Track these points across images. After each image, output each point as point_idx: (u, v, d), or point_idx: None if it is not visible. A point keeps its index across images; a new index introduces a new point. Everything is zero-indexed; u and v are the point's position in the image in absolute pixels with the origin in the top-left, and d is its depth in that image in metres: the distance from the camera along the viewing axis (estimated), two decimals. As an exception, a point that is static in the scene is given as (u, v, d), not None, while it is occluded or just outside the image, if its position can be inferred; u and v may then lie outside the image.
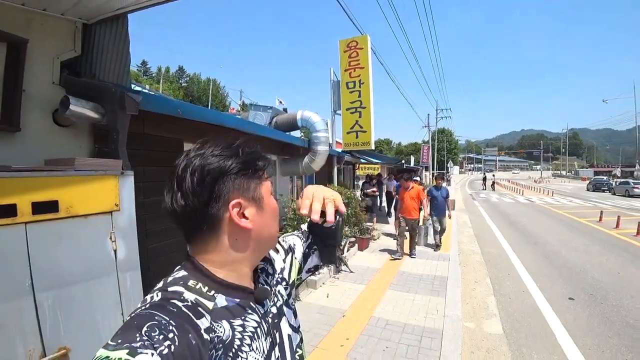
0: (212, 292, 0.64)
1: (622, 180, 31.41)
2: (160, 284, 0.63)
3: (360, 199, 8.78)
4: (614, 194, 27.85)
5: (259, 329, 0.68)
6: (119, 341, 0.49)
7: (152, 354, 0.48)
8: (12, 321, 1.54)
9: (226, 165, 0.64)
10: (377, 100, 9.19)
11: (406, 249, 7.00)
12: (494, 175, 40.60)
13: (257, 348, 0.66)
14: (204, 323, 0.58)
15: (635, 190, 24.95)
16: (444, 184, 8.50)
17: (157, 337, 0.50)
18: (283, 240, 0.95)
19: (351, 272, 5.83)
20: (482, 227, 11.44)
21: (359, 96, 8.93)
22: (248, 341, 0.64)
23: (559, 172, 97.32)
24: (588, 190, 33.15)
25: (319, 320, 3.97)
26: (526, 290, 5.30)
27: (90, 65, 2.49)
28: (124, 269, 2.04)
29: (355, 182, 14.57)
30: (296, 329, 0.84)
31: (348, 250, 6.78)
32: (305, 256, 0.96)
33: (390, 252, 7.12)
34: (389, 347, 3.41)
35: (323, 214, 0.81)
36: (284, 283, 0.85)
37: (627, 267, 6.53)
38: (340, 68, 9.17)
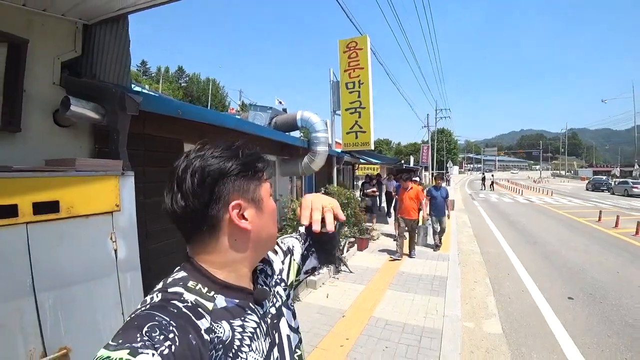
0: (212, 292, 0.64)
1: (621, 180, 31.45)
2: (160, 285, 0.64)
3: (359, 199, 8.79)
4: (613, 193, 27.90)
5: (258, 330, 0.69)
6: (120, 341, 0.49)
7: (153, 354, 0.49)
8: (13, 321, 1.54)
9: (226, 167, 0.64)
10: (376, 100, 9.20)
11: (405, 250, 7.01)
12: (492, 176, 40.63)
13: (256, 348, 0.66)
14: (204, 324, 0.59)
15: (634, 189, 25.00)
16: (444, 184, 8.50)
17: (157, 337, 0.51)
18: (282, 242, 0.96)
19: (351, 272, 5.84)
20: (482, 227, 11.46)
21: (359, 96, 8.94)
22: (247, 342, 0.65)
23: (558, 172, 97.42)
24: (587, 190, 33.21)
25: (318, 321, 3.98)
26: (525, 290, 5.31)
27: (90, 66, 2.49)
28: (125, 269, 2.05)
29: (355, 183, 14.58)
30: (295, 330, 0.84)
31: (347, 251, 6.79)
32: (304, 258, 0.97)
33: (390, 252, 7.14)
34: (388, 347, 3.42)
35: (322, 221, 0.81)
36: (282, 284, 0.86)
37: (626, 266, 6.55)
38: (339, 68, 9.18)
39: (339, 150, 9.79)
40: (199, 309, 0.60)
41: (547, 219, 13.22)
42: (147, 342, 0.49)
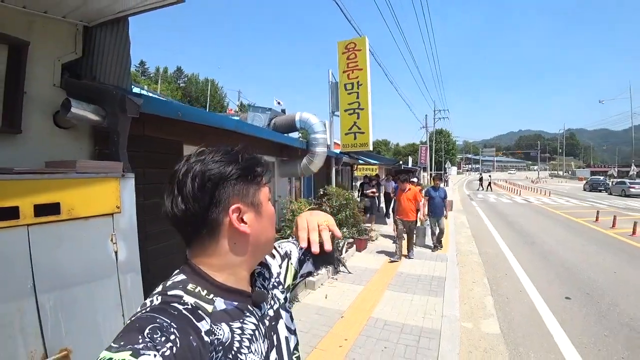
0: (211, 295, 0.65)
1: (619, 180, 31.57)
2: (159, 288, 0.65)
3: (358, 199, 8.81)
4: (611, 193, 27.98)
5: (256, 332, 0.69)
6: (122, 343, 0.50)
7: (155, 355, 0.49)
8: (14, 322, 1.55)
9: (226, 171, 0.65)
10: (375, 101, 9.22)
11: (404, 251, 7.02)
12: (490, 176, 40.70)
13: (255, 350, 0.67)
14: (204, 326, 0.59)
15: (632, 190, 25.08)
16: (442, 185, 8.53)
17: (159, 339, 0.52)
18: (279, 247, 0.97)
19: (349, 272, 5.86)
20: (480, 227, 11.49)
21: (357, 97, 8.96)
22: (247, 343, 0.66)
23: (556, 172, 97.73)
24: (585, 190, 33.30)
25: (317, 321, 3.99)
26: (523, 290, 5.34)
27: (90, 68, 2.50)
28: (125, 270, 2.06)
29: (354, 183, 14.59)
30: (293, 332, 0.85)
31: (346, 251, 6.80)
32: (301, 262, 0.98)
33: (389, 254, 7.14)
34: (387, 348, 3.43)
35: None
36: (280, 287, 0.87)
37: (623, 266, 6.59)
38: (338, 69, 9.20)
39: (337, 151, 9.80)
40: (199, 311, 0.61)
41: (544, 219, 13.27)
42: (148, 344, 0.50)
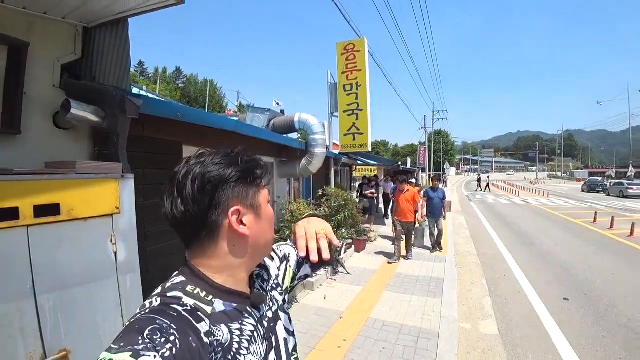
0: (210, 297, 0.65)
1: (616, 181, 31.66)
2: (158, 290, 0.65)
3: (357, 200, 8.82)
4: (609, 194, 28.06)
5: (255, 333, 0.70)
6: (122, 344, 0.50)
7: (155, 356, 0.50)
8: (14, 323, 1.55)
9: (226, 174, 0.66)
10: (374, 101, 9.23)
11: (403, 252, 7.03)
12: (488, 177, 40.78)
13: (254, 351, 0.68)
14: (203, 327, 0.60)
15: (629, 191, 25.17)
16: (441, 186, 8.53)
17: (159, 340, 0.52)
18: (278, 249, 0.97)
19: (348, 273, 5.86)
20: (479, 228, 11.51)
21: (356, 98, 8.97)
22: (246, 344, 0.66)
23: (554, 173, 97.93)
24: (583, 191, 33.39)
25: (316, 322, 3.99)
26: (521, 291, 5.35)
27: (90, 69, 2.50)
28: (124, 271, 2.06)
29: (352, 184, 14.61)
30: (292, 333, 0.86)
31: (345, 252, 6.81)
32: (299, 265, 0.99)
33: (387, 255, 7.14)
34: (385, 348, 3.44)
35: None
36: (279, 289, 0.87)
37: (621, 267, 6.61)
38: (337, 70, 9.21)
39: (336, 151, 9.81)
40: (198, 313, 0.61)
41: (543, 220, 13.30)
42: (148, 345, 0.50)
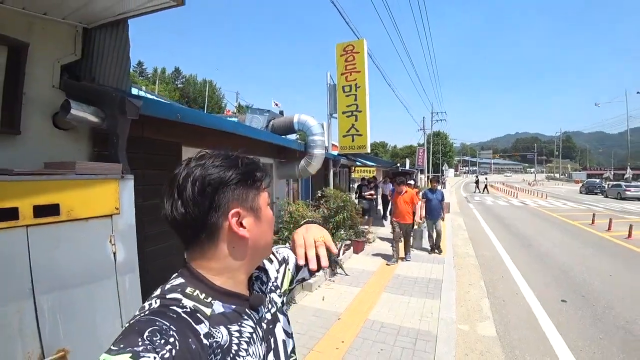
0: (209, 298, 0.65)
1: (614, 183, 31.77)
2: (158, 292, 0.65)
3: (356, 201, 8.83)
4: (607, 196, 28.15)
5: (254, 335, 0.70)
6: (122, 346, 0.51)
7: (155, 358, 0.50)
8: (12, 323, 1.55)
9: (226, 176, 0.66)
10: (372, 103, 9.25)
11: (401, 253, 7.03)
12: (486, 179, 40.88)
13: (253, 353, 0.68)
14: (202, 329, 0.60)
15: (627, 192, 25.26)
16: (439, 187, 8.51)
17: (158, 341, 0.52)
18: (277, 252, 0.98)
19: (347, 275, 5.86)
20: (477, 229, 11.53)
21: (355, 100, 8.99)
22: (245, 346, 0.66)
23: (552, 175, 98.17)
24: (581, 192, 33.49)
25: (314, 323, 3.99)
26: (519, 292, 5.36)
27: (90, 69, 2.50)
28: (123, 271, 2.06)
29: (351, 185, 14.62)
30: (290, 335, 0.86)
31: (343, 253, 6.82)
32: (298, 268, 0.99)
33: (386, 256, 7.13)
34: (383, 350, 3.44)
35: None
36: (277, 291, 0.88)
37: (618, 269, 6.63)
38: (336, 72, 9.22)
39: (335, 153, 9.83)
40: (198, 315, 0.61)
41: (541, 222, 13.33)
42: (148, 346, 0.51)
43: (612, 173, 52.82)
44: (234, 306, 0.69)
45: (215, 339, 0.61)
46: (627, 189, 25.76)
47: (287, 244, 1.07)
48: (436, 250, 7.58)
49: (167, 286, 0.66)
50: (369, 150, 9.34)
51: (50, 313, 1.69)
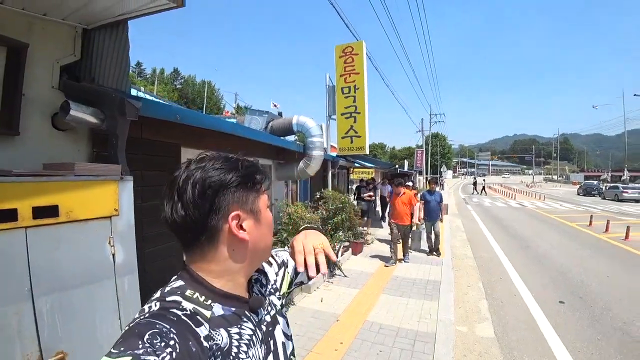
0: (209, 301, 0.65)
1: (612, 184, 31.90)
2: (157, 294, 0.65)
3: (355, 202, 8.83)
4: (604, 198, 28.25)
5: (254, 337, 0.70)
6: (122, 349, 0.50)
7: None
8: (11, 325, 1.55)
9: (227, 179, 0.66)
10: (371, 104, 9.28)
11: (399, 254, 7.02)
12: (484, 180, 40.98)
13: (253, 355, 0.68)
14: (202, 331, 0.60)
15: (624, 194, 25.38)
16: (438, 189, 8.50)
17: (158, 344, 0.52)
18: (276, 255, 0.98)
19: (345, 276, 5.86)
20: (475, 231, 11.55)
21: (354, 101, 9.01)
22: (244, 348, 0.66)
23: (550, 176, 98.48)
24: (579, 194, 33.60)
25: (313, 325, 3.99)
26: (517, 294, 5.37)
27: (89, 70, 2.50)
28: (122, 273, 2.06)
29: (350, 187, 14.63)
30: (289, 337, 0.86)
31: (342, 255, 6.82)
32: (296, 272, 0.99)
33: (384, 258, 7.13)
34: (382, 351, 3.44)
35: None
36: (277, 293, 0.88)
37: (616, 270, 6.65)
38: (335, 73, 9.25)
39: (334, 154, 9.84)
40: (198, 317, 0.62)
41: (539, 224, 13.36)
42: (148, 349, 0.51)
43: (610, 175, 53.05)
44: (233, 309, 0.69)
45: (215, 342, 0.61)
46: (625, 190, 25.87)
47: (286, 247, 1.08)
48: (434, 253, 7.54)
49: (167, 289, 0.66)
50: (367, 152, 9.36)
51: (49, 315, 1.69)
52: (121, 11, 2.31)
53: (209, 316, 0.63)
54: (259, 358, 0.70)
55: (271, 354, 0.75)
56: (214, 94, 49.29)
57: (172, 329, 0.55)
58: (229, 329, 0.66)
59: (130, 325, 0.57)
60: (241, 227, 0.68)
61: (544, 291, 5.49)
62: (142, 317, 0.58)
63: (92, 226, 1.90)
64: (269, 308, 0.81)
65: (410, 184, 13.03)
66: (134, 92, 6.37)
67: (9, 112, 2.08)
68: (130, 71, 2.83)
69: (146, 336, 0.53)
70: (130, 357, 0.49)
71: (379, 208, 13.28)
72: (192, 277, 0.67)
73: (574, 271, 6.58)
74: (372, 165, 15.96)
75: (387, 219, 10.90)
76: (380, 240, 9.04)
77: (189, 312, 0.61)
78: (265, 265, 0.90)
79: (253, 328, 0.71)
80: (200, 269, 0.68)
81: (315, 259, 0.83)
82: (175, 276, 0.69)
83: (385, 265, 6.67)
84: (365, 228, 9.27)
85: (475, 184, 37.78)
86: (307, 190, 8.71)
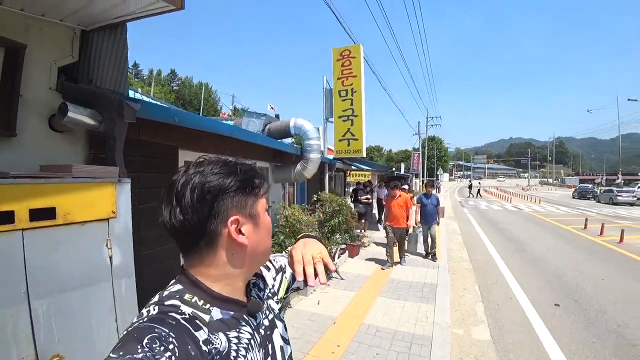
0: (208, 305, 0.65)
1: (607, 188, 32.18)
2: (155, 298, 0.65)
3: (352, 205, 8.83)
4: (599, 201, 28.48)
5: (252, 341, 0.70)
6: (121, 353, 0.50)
7: None
8: (6, 328, 1.54)
9: (225, 183, 0.66)
10: (368, 107, 9.31)
11: (396, 257, 7.02)
12: (479, 183, 41.16)
13: (251, 359, 0.68)
14: (201, 335, 0.60)
15: (619, 198, 25.61)
16: (434, 192, 8.49)
17: (158, 348, 0.52)
18: (274, 260, 0.99)
19: (342, 279, 5.86)
20: (471, 234, 11.59)
21: (351, 104, 9.04)
22: (243, 352, 0.66)
23: (545, 179, 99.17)
24: (574, 197, 33.85)
25: (310, 327, 3.99)
26: (513, 296, 5.40)
27: (87, 72, 2.50)
28: (119, 275, 2.05)
29: (346, 189, 14.65)
30: (287, 341, 0.86)
31: (339, 257, 6.82)
32: (294, 277, 0.99)
33: (381, 260, 7.13)
34: (379, 354, 3.44)
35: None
36: (275, 298, 0.89)
37: (611, 273, 6.70)
38: (333, 76, 9.28)
39: (331, 157, 9.85)
40: (196, 321, 0.61)
41: (535, 227, 13.44)
42: (148, 354, 0.50)
43: (604, 178, 53.48)
44: (232, 312, 0.69)
45: (214, 346, 0.61)
46: (619, 194, 26.12)
47: (284, 252, 1.08)
48: (432, 258, 7.46)
49: (165, 293, 0.66)
50: (364, 155, 9.39)
51: (45, 318, 1.68)
52: (120, 13, 2.31)
53: (207, 320, 0.63)
54: None
55: (269, 358, 0.75)
56: (211, 95, 49.26)
57: (171, 333, 0.55)
58: (227, 333, 0.66)
59: (129, 329, 0.56)
60: (240, 232, 0.68)
61: (540, 294, 5.51)
62: (140, 321, 0.58)
63: (89, 228, 1.90)
64: (267, 312, 0.81)
65: (406, 186, 13.05)
66: (131, 93, 6.36)
67: (6, 113, 2.07)
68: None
69: (145, 340, 0.52)
70: None
71: (375, 211, 13.30)
72: (190, 281, 0.67)
73: (569, 274, 6.62)
74: (368, 168, 15.99)
75: (383, 221, 10.91)
76: (377, 243, 9.05)
77: (187, 316, 0.61)
78: (263, 269, 0.91)
79: (251, 332, 0.71)
80: (198, 273, 0.68)
81: (314, 268, 0.84)
82: (174, 280, 0.69)
83: (381, 268, 6.67)
84: (361, 231, 9.27)
85: (470, 187, 37.96)
86: (304, 192, 8.71)
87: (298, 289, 1.05)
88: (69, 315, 1.78)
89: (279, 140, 6.75)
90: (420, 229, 7.99)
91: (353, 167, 13.17)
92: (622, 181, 37.52)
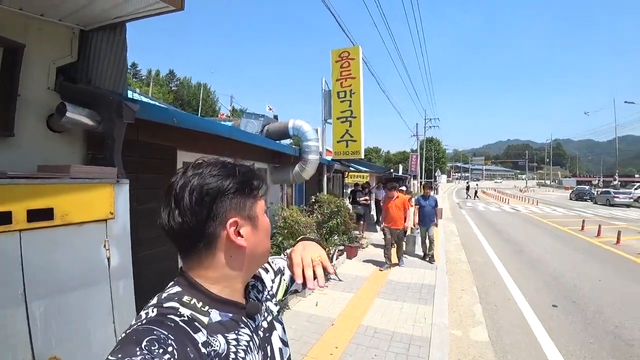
0: (206, 307, 0.65)
1: (603, 189, 32.32)
2: (154, 300, 0.65)
3: (350, 206, 8.83)
4: (596, 203, 28.59)
5: (251, 343, 0.70)
6: (119, 356, 0.50)
7: None
8: (3, 329, 1.53)
9: (224, 185, 0.66)
10: (366, 108, 9.31)
11: (394, 259, 7.01)
12: (477, 185, 41.30)
13: None
14: (200, 337, 0.60)
15: (616, 199, 25.73)
16: (432, 193, 8.45)
17: (157, 350, 0.52)
18: (273, 262, 0.99)
19: (340, 280, 5.86)
20: (469, 235, 11.61)
21: (350, 106, 9.05)
22: (242, 354, 0.66)
23: (543, 181, 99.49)
24: (571, 199, 33.96)
25: (308, 329, 3.98)
26: (511, 298, 5.41)
27: (86, 72, 2.49)
28: (117, 277, 2.04)
29: (345, 190, 14.64)
30: (286, 343, 0.86)
31: (337, 259, 6.82)
32: (292, 279, 0.99)
33: (379, 262, 7.11)
34: (377, 355, 3.44)
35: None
36: (273, 300, 0.88)
37: (608, 274, 6.72)
38: (331, 77, 9.29)
39: (329, 158, 9.85)
40: (195, 323, 0.61)
41: (532, 228, 13.48)
42: (147, 356, 0.50)
43: (601, 180, 53.74)
44: (231, 314, 0.68)
45: (213, 348, 0.61)
46: (616, 195, 26.24)
47: (283, 254, 1.08)
48: (428, 259, 7.42)
49: (164, 295, 0.65)
50: (362, 156, 9.40)
51: (42, 319, 1.67)
52: (120, 13, 2.31)
53: (206, 322, 0.63)
54: None
55: (268, 359, 0.75)
56: (210, 96, 49.21)
57: (170, 336, 0.55)
58: (226, 334, 0.65)
59: (128, 331, 0.56)
60: (239, 234, 0.68)
61: (538, 295, 5.53)
62: (139, 324, 0.57)
63: (87, 229, 1.89)
64: (266, 314, 0.81)
65: (404, 188, 13.06)
66: (130, 94, 6.35)
67: (4, 113, 2.07)
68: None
69: (144, 343, 0.52)
70: None
71: (374, 212, 13.30)
72: (189, 283, 0.67)
73: (567, 275, 6.64)
74: (367, 169, 16.00)
75: (381, 223, 10.91)
76: (375, 245, 9.03)
77: (186, 319, 0.61)
78: (261, 271, 0.91)
79: (250, 334, 0.71)
80: (197, 275, 0.68)
81: (313, 271, 0.84)
82: (172, 282, 0.69)
83: (379, 270, 6.67)
84: (359, 232, 9.27)
85: (468, 188, 38.05)
86: (303, 193, 8.70)
87: (296, 291, 1.06)
88: (67, 316, 1.78)
89: (278, 142, 6.75)
90: (419, 231, 7.98)
91: (351, 169, 13.17)
92: (619, 183, 37.69)
